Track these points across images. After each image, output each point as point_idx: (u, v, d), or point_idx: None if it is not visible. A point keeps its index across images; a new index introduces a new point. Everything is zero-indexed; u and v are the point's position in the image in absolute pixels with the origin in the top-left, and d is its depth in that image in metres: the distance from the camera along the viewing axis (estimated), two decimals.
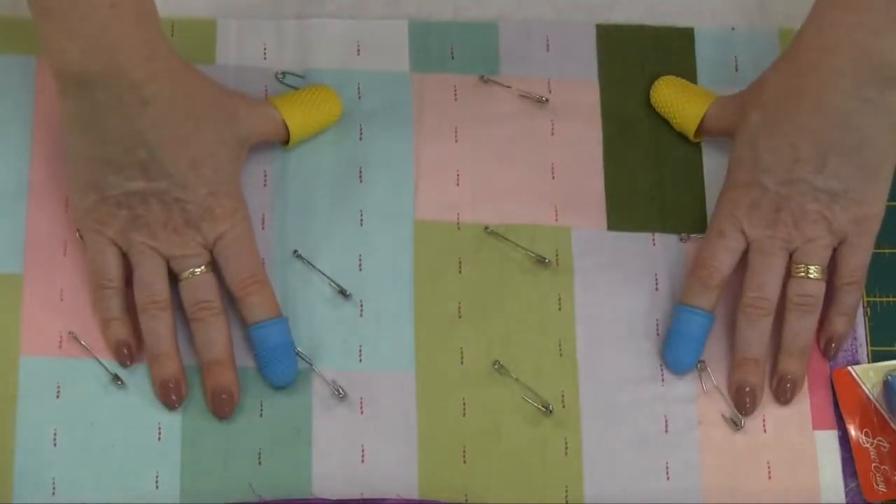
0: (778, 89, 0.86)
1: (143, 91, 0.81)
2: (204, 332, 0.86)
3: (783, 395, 0.88)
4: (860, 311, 0.90)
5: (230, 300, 0.87)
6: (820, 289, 0.87)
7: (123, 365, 0.86)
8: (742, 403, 0.87)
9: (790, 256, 0.87)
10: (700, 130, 0.92)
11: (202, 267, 0.86)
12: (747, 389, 0.87)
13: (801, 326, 0.87)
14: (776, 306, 0.87)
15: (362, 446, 0.87)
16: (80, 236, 0.87)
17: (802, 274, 0.86)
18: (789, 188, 0.85)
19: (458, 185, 0.92)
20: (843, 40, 0.82)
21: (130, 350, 0.86)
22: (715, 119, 0.91)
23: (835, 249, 0.87)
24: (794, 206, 0.85)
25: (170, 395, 0.86)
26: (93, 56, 0.79)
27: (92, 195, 0.84)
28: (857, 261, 0.87)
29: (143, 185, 0.83)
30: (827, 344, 0.88)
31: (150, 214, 0.84)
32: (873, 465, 0.87)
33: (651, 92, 0.93)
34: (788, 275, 0.87)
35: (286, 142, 0.90)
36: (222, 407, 0.86)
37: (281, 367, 0.86)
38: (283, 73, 0.93)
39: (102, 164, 0.83)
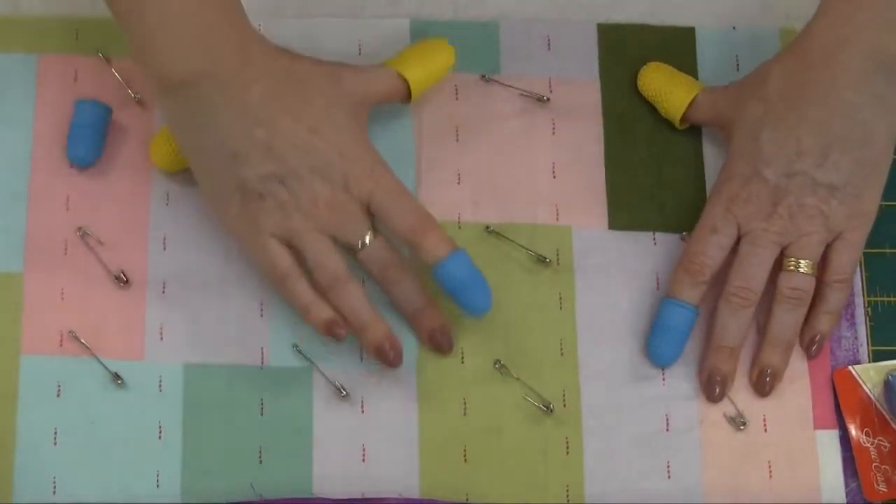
0: (783, 83, 0.86)
1: (244, 76, 0.81)
2: (400, 290, 0.87)
3: (762, 387, 0.87)
4: (861, 310, 0.90)
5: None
6: (810, 284, 0.87)
7: (339, 340, 0.85)
8: (711, 391, 0.87)
9: (781, 251, 0.87)
10: (686, 118, 0.92)
11: (368, 234, 0.85)
12: (718, 378, 0.87)
13: (788, 319, 0.87)
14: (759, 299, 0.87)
15: (363, 445, 0.86)
16: (239, 244, 0.87)
17: (793, 267, 0.86)
18: (789, 181, 0.85)
19: (458, 184, 0.92)
20: (853, 36, 0.82)
21: (339, 324, 0.85)
22: (703, 108, 0.91)
23: (827, 247, 0.87)
24: (793, 200, 0.85)
25: (387, 356, 0.85)
26: (192, 54, 0.80)
27: (234, 198, 0.84)
28: (848, 258, 0.87)
29: (274, 167, 0.83)
30: (810, 342, 0.88)
31: (294, 198, 0.83)
32: (874, 464, 0.87)
33: (638, 77, 0.93)
34: (777, 268, 0.87)
35: (407, 98, 0.89)
36: (441, 345, 0.87)
37: (480, 295, 0.85)
38: None
39: (230, 162, 0.83)
